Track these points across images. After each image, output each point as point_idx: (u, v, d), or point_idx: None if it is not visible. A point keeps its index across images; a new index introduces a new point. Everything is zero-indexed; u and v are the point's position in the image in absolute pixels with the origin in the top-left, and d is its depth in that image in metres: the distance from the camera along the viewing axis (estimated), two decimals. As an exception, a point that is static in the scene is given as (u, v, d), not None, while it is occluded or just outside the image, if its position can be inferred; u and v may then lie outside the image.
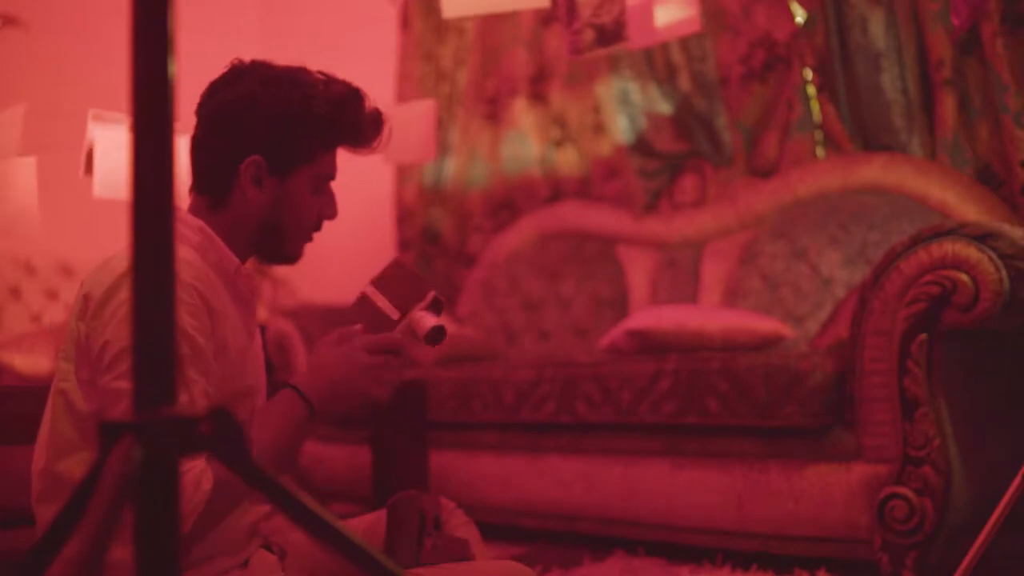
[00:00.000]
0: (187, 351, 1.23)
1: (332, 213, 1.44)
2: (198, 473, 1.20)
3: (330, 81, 1.39)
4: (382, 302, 1.40)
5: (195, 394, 1.23)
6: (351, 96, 1.39)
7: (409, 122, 2.36)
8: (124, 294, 1.24)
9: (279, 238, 1.40)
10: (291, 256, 1.43)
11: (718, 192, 3.51)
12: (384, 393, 1.33)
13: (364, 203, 4.41)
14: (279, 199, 1.37)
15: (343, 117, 1.38)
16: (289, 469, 1.56)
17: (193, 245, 1.34)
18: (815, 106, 3.22)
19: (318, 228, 1.44)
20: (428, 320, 1.37)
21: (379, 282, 1.43)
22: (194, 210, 1.39)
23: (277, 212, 1.37)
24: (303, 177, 1.38)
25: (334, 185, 1.44)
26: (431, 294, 1.41)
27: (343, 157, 1.48)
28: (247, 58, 1.40)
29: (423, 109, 2.46)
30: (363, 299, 1.42)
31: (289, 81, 1.36)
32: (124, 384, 1.20)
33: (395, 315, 1.39)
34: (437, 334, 1.36)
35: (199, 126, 1.38)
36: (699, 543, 2.49)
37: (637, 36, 2.10)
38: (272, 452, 1.28)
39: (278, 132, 1.34)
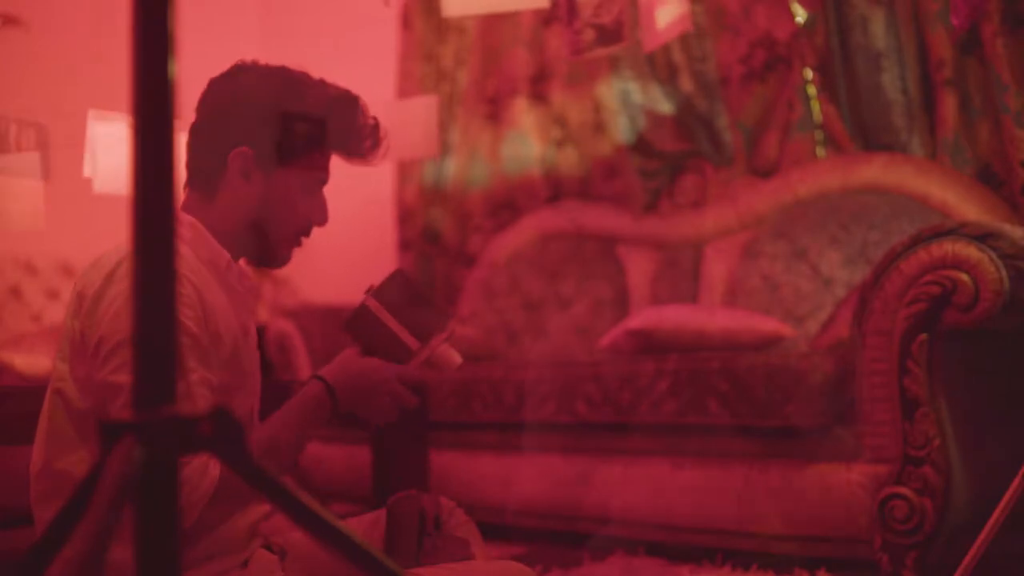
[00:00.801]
0: (185, 341, 1.24)
1: (323, 219, 1.43)
2: (203, 461, 1.20)
3: (328, 84, 1.40)
4: (391, 321, 1.40)
5: (192, 383, 1.23)
6: (346, 99, 1.41)
7: (412, 118, 2.36)
8: (116, 289, 1.24)
9: (265, 235, 1.39)
10: (277, 258, 1.43)
11: (718, 192, 3.51)
12: (390, 418, 1.41)
13: (364, 203, 4.40)
14: (266, 194, 1.37)
15: (335, 117, 1.38)
16: (289, 468, 1.57)
17: (185, 240, 1.34)
18: (815, 106, 3.22)
19: (307, 234, 1.43)
20: (454, 356, 1.44)
21: (381, 294, 1.42)
22: (187, 206, 1.39)
23: (264, 208, 1.38)
24: (291, 174, 1.38)
25: (332, 188, 1.44)
26: (451, 325, 1.43)
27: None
28: (248, 59, 1.41)
29: (425, 105, 2.46)
30: (364, 310, 1.41)
31: (286, 79, 1.38)
32: (120, 378, 1.20)
33: (414, 345, 1.40)
34: (459, 367, 1.45)
35: (196, 120, 1.39)
36: (699, 543, 2.48)
37: (647, 39, 2.12)
38: (294, 442, 1.35)
39: (269, 126, 1.35)
